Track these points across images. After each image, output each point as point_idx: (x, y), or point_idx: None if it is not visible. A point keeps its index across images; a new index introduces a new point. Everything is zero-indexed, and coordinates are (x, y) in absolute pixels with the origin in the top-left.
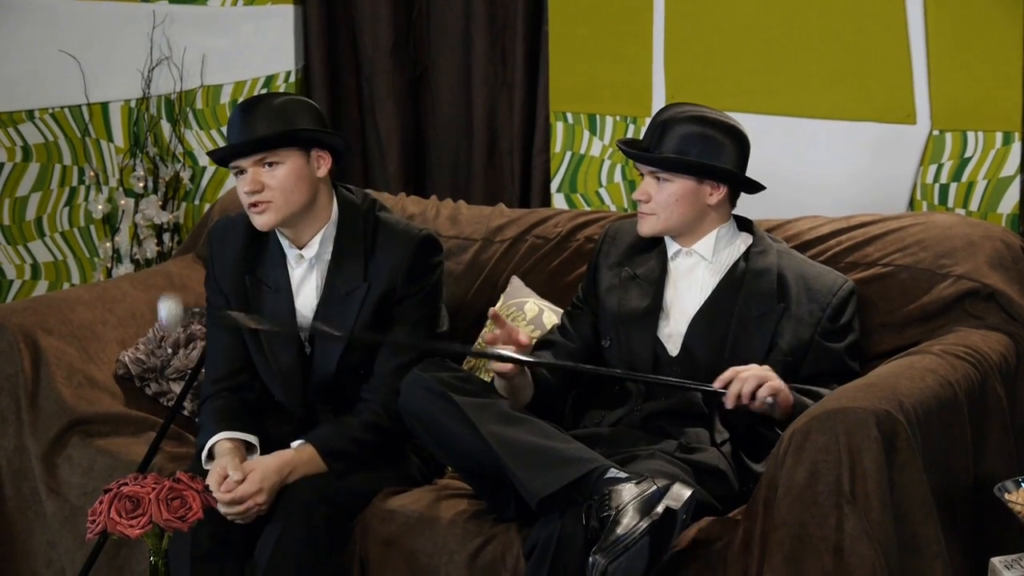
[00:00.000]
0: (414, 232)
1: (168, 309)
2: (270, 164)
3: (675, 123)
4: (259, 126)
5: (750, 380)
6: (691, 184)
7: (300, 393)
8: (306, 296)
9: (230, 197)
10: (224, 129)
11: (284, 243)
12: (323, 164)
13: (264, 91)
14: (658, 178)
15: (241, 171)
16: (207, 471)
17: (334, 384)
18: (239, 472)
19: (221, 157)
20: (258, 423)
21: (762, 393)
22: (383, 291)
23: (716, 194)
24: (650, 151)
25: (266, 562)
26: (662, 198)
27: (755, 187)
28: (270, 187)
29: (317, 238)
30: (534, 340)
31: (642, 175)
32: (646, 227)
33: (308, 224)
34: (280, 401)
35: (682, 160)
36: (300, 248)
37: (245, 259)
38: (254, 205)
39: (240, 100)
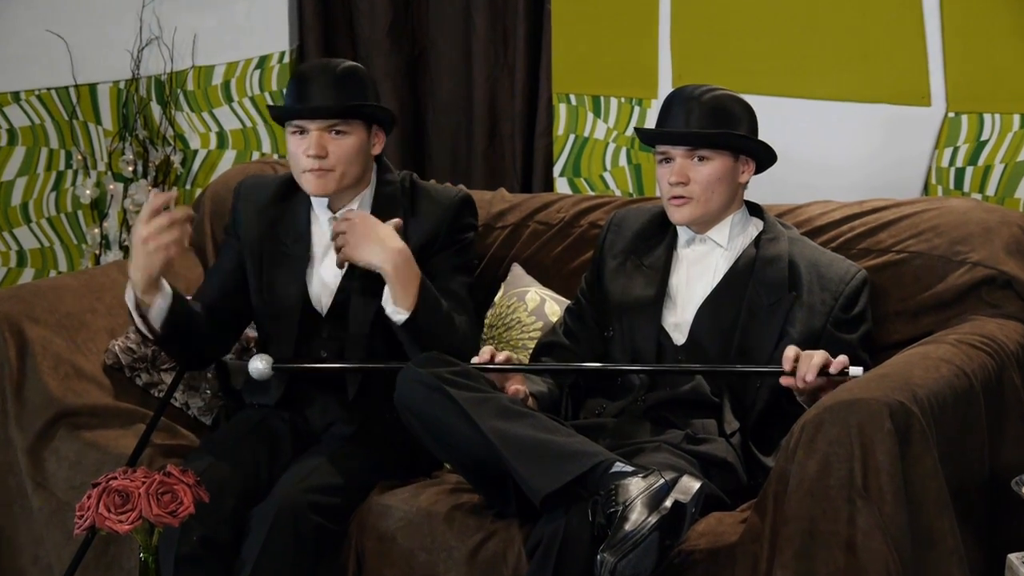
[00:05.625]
0: (454, 192)
1: (257, 368)
2: (338, 132)
3: (697, 101)
4: (338, 91)
5: (817, 357)
6: (729, 161)
7: (314, 351)
8: (332, 260)
9: (223, 181)
10: (217, 111)
11: (318, 207)
12: (378, 143)
13: (258, 72)
14: (695, 158)
15: (302, 131)
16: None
17: (356, 342)
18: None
19: (291, 113)
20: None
21: (836, 367)
22: (424, 241)
23: (747, 172)
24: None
25: (250, 569)
26: (702, 178)
27: (769, 163)
28: (335, 155)
29: (355, 202)
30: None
31: (665, 160)
32: (685, 214)
33: (349, 192)
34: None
35: (731, 133)
36: (335, 211)
37: (268, 217)
38: (314, 170)
39: (299, 66)
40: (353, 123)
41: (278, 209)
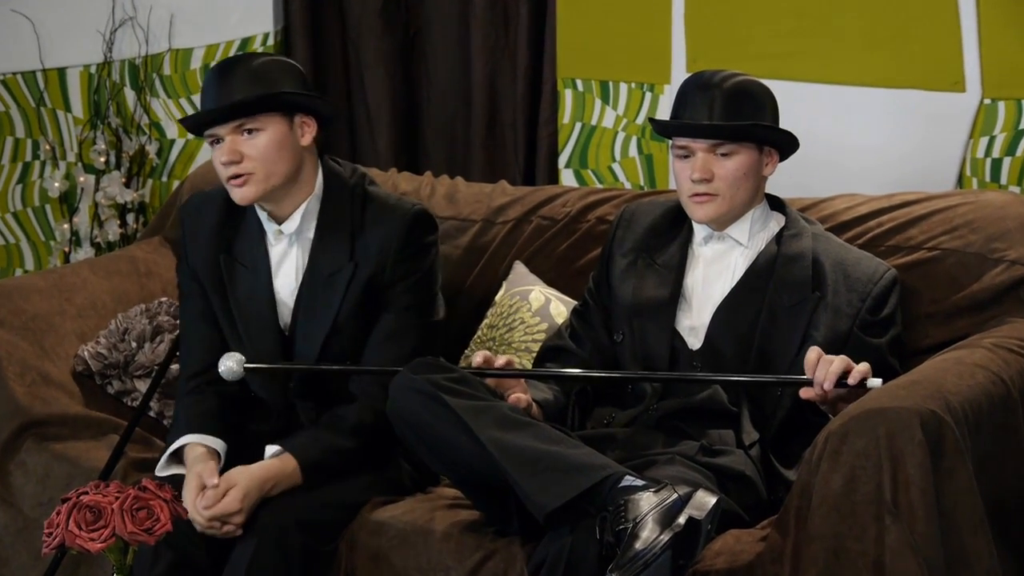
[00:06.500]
0: (406, 207)
1: (228, 368)
2: (249, 131)
3: (719, 89)
4: (236, 89)
5: (836, 364)
6: (754, 154)
7: (280, 387)
8: (286, 276)
9: (201, 173)
10: (196, 98)
11: (263, 217)
12: (307, 132)
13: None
14: (718, 152)
15: (218, 140)
16: (164, 477)
17: (317, 377)
18: (219, 484)
19: (195, 124)
20: (234, 423)
21: (855, 378)
22: (371, 272)
23: (771, 164)
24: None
25: None
26: (727, 174)
27: (790, 153)
28: (250, 157)
29: (298, 212)
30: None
31: (685, 155)
32: (709, 211)
33: (289, 197)
34: (259, 396)
35: (759, 125)
36: (279, 223)
37: (220, 236)
38: (233, 177)
39: (214, 63)
40: (264, 117)
41: (227, 227)
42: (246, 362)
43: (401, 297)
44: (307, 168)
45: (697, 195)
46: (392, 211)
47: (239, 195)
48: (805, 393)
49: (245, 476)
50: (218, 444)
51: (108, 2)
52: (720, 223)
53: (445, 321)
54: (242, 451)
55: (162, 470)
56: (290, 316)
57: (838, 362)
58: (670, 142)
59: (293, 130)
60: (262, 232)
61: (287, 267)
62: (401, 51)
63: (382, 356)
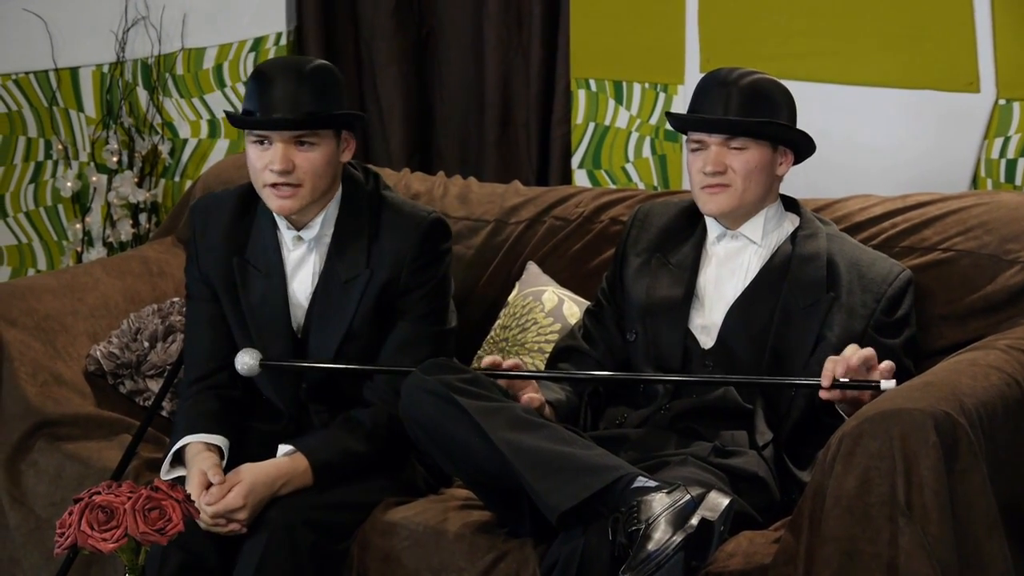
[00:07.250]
0: (422, 215)
1: (245, 363)
2: (305, 143)
3: (735, 86)
4: (306, 98)
5: (852, 359)
6: (767, 151)
7: (292, 389)
8: (301, 282)
9: (214, 173)
10: (209, 97)
11: (281, 223)
12: (348, 149)
13: (252, 55)
14: (731, 146)
15: (264, 141)
16: (171, 480)
17: (329, 380)
18: (223, 481)
19: (253, 125)
20: (239, 423)
21: (882, 373)
22: (386, 279)
23: (785, 163)
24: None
25: None
26: (740, 165)
27: (807, 154)
28: (302, 169)
29: (319, 219)
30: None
31: (698, 149)
32: (721, 202)
33: (314, 207)
34: (269, 398)
35: (774, 122)
36: (298, 229)
37: (232, 239)
38: (278, 185)
39: (262, 62)
40: (323, 132)
41: (239, 231)
42: (263, 359)
43: (415, 305)
44: (336, 180)
45: (709, 186)
46: (408, 219)
47: (281, 205)
48: (825, 395)
49: (251, 472)
50: (219, 440)
51: (121, 2)
52: (732, 219)
53: (457, 329)
54: (253, 452)
55: (166, 475)
56: (303, 321)
57: (864, 350)
58: (684, 138)
59: (339, 145)
60: (277, 236)
61: (303, 273)
62: (414, 51)
63: (396, 364)
